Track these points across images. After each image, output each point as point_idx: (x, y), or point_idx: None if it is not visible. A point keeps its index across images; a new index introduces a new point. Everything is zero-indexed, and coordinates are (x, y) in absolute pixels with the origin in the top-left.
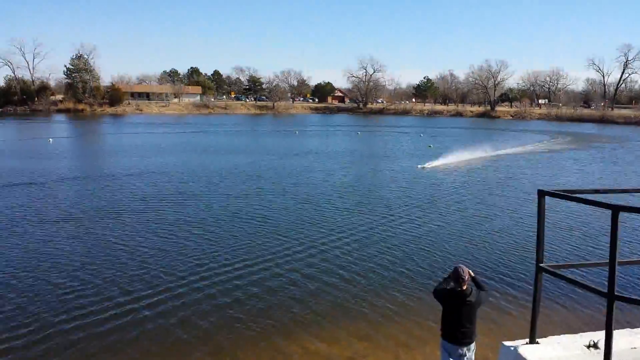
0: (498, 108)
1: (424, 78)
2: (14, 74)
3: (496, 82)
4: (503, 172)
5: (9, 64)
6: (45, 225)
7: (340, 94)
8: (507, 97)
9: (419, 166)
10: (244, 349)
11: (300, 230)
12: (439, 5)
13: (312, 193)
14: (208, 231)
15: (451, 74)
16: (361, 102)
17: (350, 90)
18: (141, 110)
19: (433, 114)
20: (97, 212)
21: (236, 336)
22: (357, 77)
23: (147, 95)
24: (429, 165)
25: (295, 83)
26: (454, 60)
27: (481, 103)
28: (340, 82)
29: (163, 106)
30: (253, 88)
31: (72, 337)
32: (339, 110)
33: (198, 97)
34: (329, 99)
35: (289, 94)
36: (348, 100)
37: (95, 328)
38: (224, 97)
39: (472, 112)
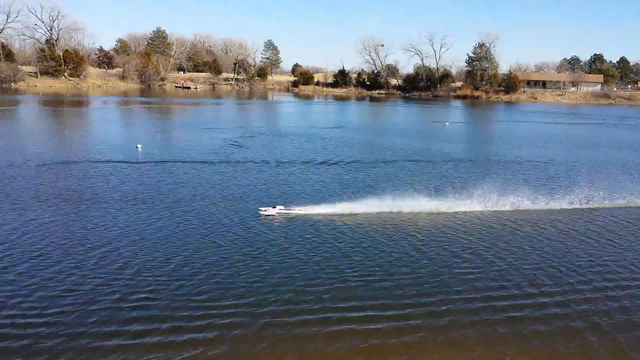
0: None
1: None
2: (422, 62)
3: None
4: None
5: (419, 53)
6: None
7: None
8: None
9: None
10: None
11: None
12: None
13: None
14: (594, 233)
15: None
16: None
17: None
18: (535, 98)
19: None
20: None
21: None
22: None
23: (543, 84)
24: None
25: None
26: None
27: None
28: None
29: (558, 95)
30: None
31: (479, 315)
32: None
33: (598, 87)
34: None
35: None
36: None
37: (500, 311)
38: (629, 86)
39: None
